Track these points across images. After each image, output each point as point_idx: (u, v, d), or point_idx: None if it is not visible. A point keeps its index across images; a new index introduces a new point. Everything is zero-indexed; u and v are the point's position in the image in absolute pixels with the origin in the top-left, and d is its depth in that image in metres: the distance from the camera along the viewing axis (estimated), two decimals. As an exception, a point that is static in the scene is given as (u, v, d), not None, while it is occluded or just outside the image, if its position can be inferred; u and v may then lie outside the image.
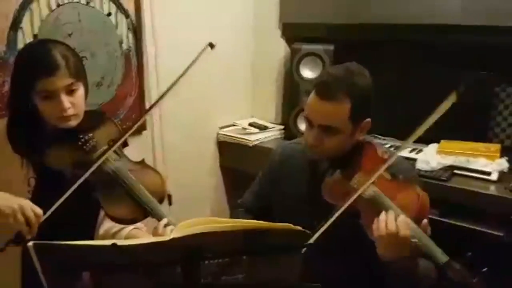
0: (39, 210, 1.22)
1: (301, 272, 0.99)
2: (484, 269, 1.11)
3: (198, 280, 0.91)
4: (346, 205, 1.20)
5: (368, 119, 1.38)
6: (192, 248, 0.88)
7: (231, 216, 1.65)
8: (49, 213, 1.22)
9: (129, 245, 0.85)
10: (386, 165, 1.28)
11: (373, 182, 1.29)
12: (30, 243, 0.85)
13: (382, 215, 1.20)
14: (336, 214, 1.17)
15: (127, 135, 1.36)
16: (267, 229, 0.90)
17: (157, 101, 1.36)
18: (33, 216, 1.21)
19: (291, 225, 0.90)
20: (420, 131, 1.19)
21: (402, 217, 1.18)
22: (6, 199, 1.23)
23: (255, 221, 0.92)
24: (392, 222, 1.17)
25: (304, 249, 0.95)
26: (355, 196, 1.23)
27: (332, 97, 1.30)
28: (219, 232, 0.87)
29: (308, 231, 0.93)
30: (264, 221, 1.55)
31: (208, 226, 0.87)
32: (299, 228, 0.91)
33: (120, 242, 0.85)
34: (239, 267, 0.93)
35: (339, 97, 1.30)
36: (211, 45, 1.28)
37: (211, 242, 0.88)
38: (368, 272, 1.38)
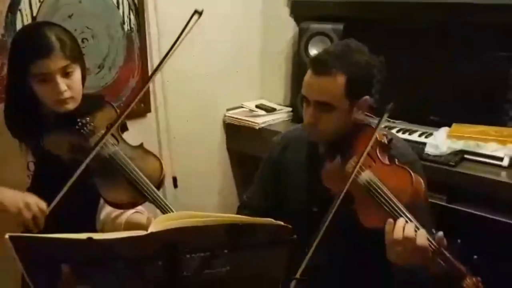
0: (43, 205, 1.25)
1: (289, 264, 0.97)
2: (475, 257, 1.07)
3: (180, 274, 0.89)
4: (337, 201, 1.17)
5: (366, 97, 1.35)
6: (171, 243, 0.85)
7: None
8: (53, 204, 1.24)
9: (105, 239, 0.83)
10: (370, 145, 1.25)
11: (369, 167, 1.26)
12: (7, 236, 0.84)
13: (401, 220, 1.13)
14: (331, 213, 1.14)
15: (125, 113, 1.33)
16: (248, 223, 0.87)
17: (152, 74, 1.39)
18: (39, 212, 1.23)
19: (272, 220, 0.87)
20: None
21: (422, 231, 1.12)
22: (11, 196, 1.25)
23: (235, 215, 0.89)
24: (411, 228, 1.11)
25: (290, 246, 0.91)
26: (346, 186, 1.20)
27: (325, 72, 1.29)
28: (198, 226, 0.85)
29: (289, 226, 0.89)
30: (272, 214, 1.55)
31: (187, 221, 0.85)
32: (280, 222, 0.88)
33: (96, 236, 0.83)
34: (222, 261, 0.91)
35: (332, 72, 1.28)
36: (199, 13, 1.25)
37: (191, 237, 0.86)
38: (362, 259, 1.35)
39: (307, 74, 1.35)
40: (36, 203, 1.24)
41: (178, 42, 1.25)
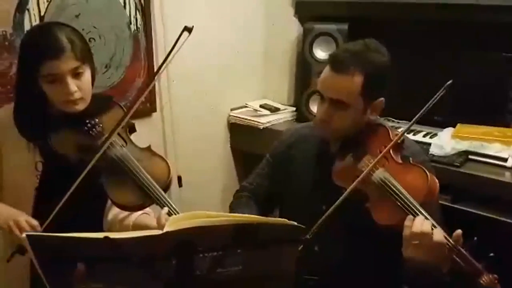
0: (34, 223, 1.25)
1: (301, 262, 0.98)
2: (491, 254, 1.08)
3: (193, 273, 0.90)
4: (345, 194, 1.17)
5: (381, 99, 1.36)
6: (185, 242, 0.86)
7: (233, 201, 1.62)
8: (54, 213, 1.23)
9: (121, 238, 0.84)
10: (390, 145, 1.26)
11: (383, 166, 1.27)
12: (24, 234, 0.85)
13: (420, 216, 1.16)
14: (335, 205, 1.15)
15: (130, 113, 1.31)
16: (261, 223, 0.88)
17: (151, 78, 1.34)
18: (30, 230, 1.23)
19: (286, 220, 0.88)
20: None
21: (439, 228, 1.14)
22: (2, 213, 1.27)
23: (249, 215, 0.90)
24: (428, 224, 1.13)
25: (301, 246, 0.93)
26: (356, 181, 1.22)
27: (344, 70, 1.29)
28: (213, 226, 0.86)
29: (302, 226, 0.90)
30: (269, 205, 1.56)
31: (202, 220, 0.85)
32: (293, 223, 0.89)
33: (112, 235, 0.84)
34: (234, 260, 0.92)
35: (351, 70, 1.29)
36: (188, 30, 1.22)
37: (205, 236, 0.87)
38: (373, 258, 1.35)
39: (324, 70, 1.34)
40: (26, 220, 1.24)
41: (168, 59, 1.24)
